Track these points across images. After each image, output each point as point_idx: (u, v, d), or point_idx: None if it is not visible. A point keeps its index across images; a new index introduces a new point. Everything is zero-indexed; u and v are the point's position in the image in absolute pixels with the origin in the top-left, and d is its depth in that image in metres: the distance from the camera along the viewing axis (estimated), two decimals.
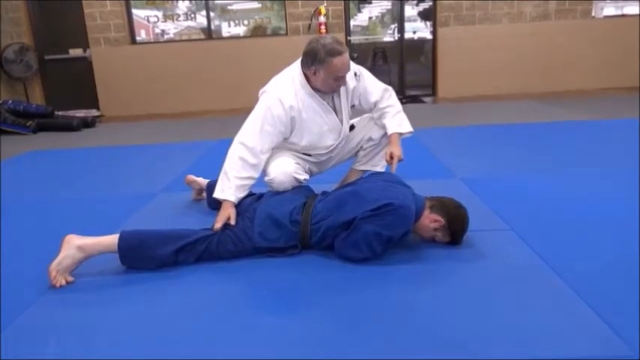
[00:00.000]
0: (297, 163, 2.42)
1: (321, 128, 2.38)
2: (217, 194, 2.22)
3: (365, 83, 2.45)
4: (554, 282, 1.79)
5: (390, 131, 2.48)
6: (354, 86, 2.41)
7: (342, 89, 2.37)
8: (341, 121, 2.43)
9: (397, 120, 2.49)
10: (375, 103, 2.49)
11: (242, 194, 2.24)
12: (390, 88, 2.54)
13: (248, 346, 1.50)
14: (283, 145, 2.43)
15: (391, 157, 2.40)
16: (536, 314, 1.59)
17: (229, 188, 2.21)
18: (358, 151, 2.63)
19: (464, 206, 2.12)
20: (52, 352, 1.53)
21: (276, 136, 2.30)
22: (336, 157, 2.61)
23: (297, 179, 2.35)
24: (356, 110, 2.56)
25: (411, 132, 2.53)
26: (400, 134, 2.49)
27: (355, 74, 2.41)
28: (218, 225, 2.10)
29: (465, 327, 1.54)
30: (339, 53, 2.17)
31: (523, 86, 7.15)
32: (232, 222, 2.12)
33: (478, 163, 3.53)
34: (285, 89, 2.29)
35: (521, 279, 1.83)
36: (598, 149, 3.75)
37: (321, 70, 2.20)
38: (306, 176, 2.44)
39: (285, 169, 2.33)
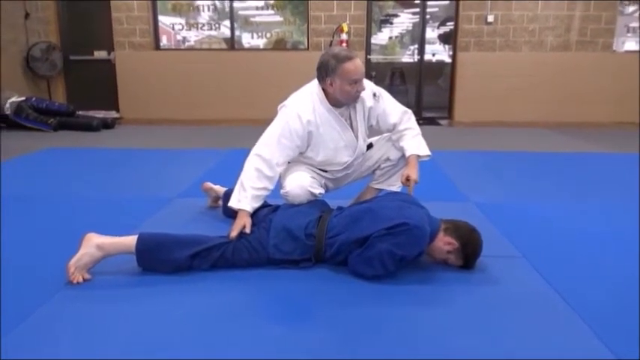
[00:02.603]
0: (313, 178, 2.46)
1: (337, 144, 2.42)
2: (233, 204, 2.27)
3: (384, 104, 2.48)
4: (564, 312, 1.80)
5: (408, 153, 2.49)
6: (371, 106, 2.43)
7: (360, 107, 2.41)
8: (357, 138, 2.46)
9: (416, 142, 2.51)
10: (394, 125, 2.52)
11: (257, 204, 2.28)
12: (409, 111, 2.57)
13: (253, 354, 1.53)
14: (299, 159, 2.48)
15: (407, 180, 2.43)
16: (543, 343, 1.60)
17: (245, 198, 2.25)
18: (375, 170, 2.66)
19: (478, 231, 2.14)
20: (67, 346, 1.56)
21: (292, 149, 2.35)
22: (353, 175, 2.64)
23: (312, 193, 2.39)
24: (374, 131, 2.60)
25: (429, 155, 2.55)
26: (418, 157, 2.51)
27: (374, 94, 2.44)
28: (234, 233, 2.13)
29: (468, 350, 1.55)
30: (350, 58, 2.23)
31: (540, 115, 7.16)
32: (247, 230, 2.16)
33: (492, 188, 3.54)
34: (304, 104, 2.34)
35: (531, 307, 1.84)
36: (612, 181, 3.75)
37: (336, 78, 2.25)
38: (322, 190, 2.48)
39: (301, 183, 2.37)
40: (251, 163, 2.30)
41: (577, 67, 7.06)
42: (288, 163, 2.44)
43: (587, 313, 1.77)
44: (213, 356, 1.51)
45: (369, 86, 2.42)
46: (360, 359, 1.51)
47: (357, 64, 2.26)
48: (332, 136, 2.39)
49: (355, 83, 2.27)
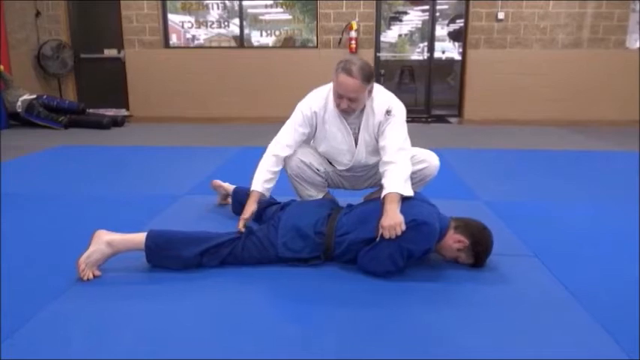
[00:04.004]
0: (312, 153, 2.53)
1: (340, 145, 2.43)
2: (252, 187, 2.36)
3: (389, 126, 2.31)
4: (576, 311, 1.78)
5: (384, 191, 2.13)
6: (381, 121, 2.33)
7: (370, 119, 2.34)
8: (356, 145, 2.41)
9: (395, 178, 2.16)
10: (382, 148, 2.31)
11: (270, 185, 2.37)
12: (407, 148, 2.32)
13: (263, 352, 1.52)
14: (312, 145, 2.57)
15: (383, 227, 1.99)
16: (555, 342, 1.58)
17: (258, 180, 2.35)
18: None
19: (489, 229, 2.12)
20: (77, 343, 1.56)
21: (305, 135, 2.45)
22: (365, 180, 2.62)
23: (303, 162, 2.47)
24: None
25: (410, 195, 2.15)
26: (399, 195, 2.09)
27: (388, 112, 2.32)
28: (247, 215, 2.23)
29: (479, 350, 1.54)
30: (347, 73, 2.16)
31: (551, 113, 7.09)
32: (246, 216, 2.24)
33: (502, 186, 3.52)
34: (318, 99, 2.41)
35: (542, 306, 1.82)
36: (624, 179, 3.70)
37: (333, 81, 2.27)
38: (316, 165, 2.52)
39: (295, 155, 2.48)
40: (269, 150, 2.43)
41: (589, 64, 6.98)
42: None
43: (599, 311, 1.75)
44: (223, 354, 1.50)
45: (387, 102, 2.34)
46: (370, 359, 1.50)
47: (347, 81, 2.15)
48: (335, 135, 2.41)
49: (340, 97, 2.23)
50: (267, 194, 2.39)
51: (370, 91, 2.29)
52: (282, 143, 2.42)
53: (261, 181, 2.35)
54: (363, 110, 2.34)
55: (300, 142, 2.46)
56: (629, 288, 1.94)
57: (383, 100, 2.35)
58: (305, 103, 2.43)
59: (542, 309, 1.80)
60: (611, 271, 2.11)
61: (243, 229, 2.17)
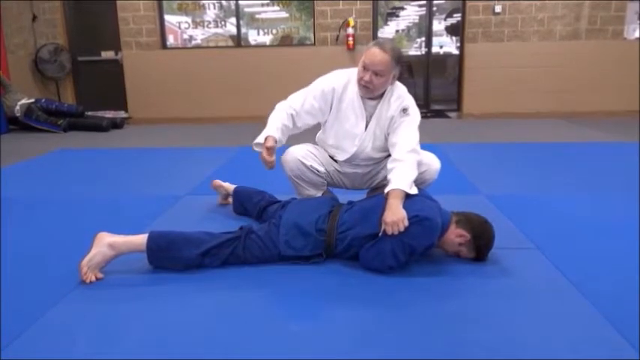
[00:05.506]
0: (312, 153, 2.51)
1: (352, 128, 2.42)
2: (258, 140, 2.36)
3: (403, 124, 2.32)
4: (579, 303, 1.78)
5: (388, 187, 2.12)
6: (393, 116, 2.34)
7: (384, 109, 2.36)
8: (365, 130, 2.42)
9: (401, 175, 2.15)
10: (393, 145, 2.32)
11: (279, 134, 2.36)
12: (418, 151, 2.30)
13: (267, 353, 1.52)
14: (318, 139, 2.58)
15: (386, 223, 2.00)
16: (559, 334, 1.58)
17: (271, 127, 2.36)
18: None
19: (490, 222, 2.12)
20: (80, 345, 1.56)
21: (314, 109, 2.43)
22: (369, 181, 2.62)
23: (303, 163, 2.47)
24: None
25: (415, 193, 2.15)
26: (403, 192, 2.08)
27: (404, 110, 2.34)
28: (269, 143, 2.28)
29: (484, 345, 1.54)
30: (380, 47, 2.23)
31: (550, 105, 7.09)
32: (269, 144, 2.27)
33: (503, 180, 3.51)
34: (340, 77, 2.43)
35: (545, 299, 1.82)
36: (624, 171, 3.70)
37: (363, 56, 2.28)
38: (316, 165, 2.50)
39: (294, 152, 2.48)
40: (278, 108, 2.45)
41: (587, 55, 6.97)
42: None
43: (602, 303, 1.75)
44: (226, 354, 1.50)
45: (405, 101, 2.35)
46: (375, 358, 1.49)
47: (378, 54, 2.21)
48: (348, 116, 2.41)
49: (365, 69, 2.25)
50: (281, 142, 2.39)
51: (394, 77, 2.32)
52: (293, 104, 2.43)
53: (275, 129, 2.35)
54: (380, 98, 2.36)
55: (306, 113, 2.44)
56: (631, 278, 1.94)
57: (402, 96, 2.37)
58: (326, 79, 2.44)
59: (545, 301, 1.80)
60: (613, 261, 2.11)
61: (270, 159, 2.25)
